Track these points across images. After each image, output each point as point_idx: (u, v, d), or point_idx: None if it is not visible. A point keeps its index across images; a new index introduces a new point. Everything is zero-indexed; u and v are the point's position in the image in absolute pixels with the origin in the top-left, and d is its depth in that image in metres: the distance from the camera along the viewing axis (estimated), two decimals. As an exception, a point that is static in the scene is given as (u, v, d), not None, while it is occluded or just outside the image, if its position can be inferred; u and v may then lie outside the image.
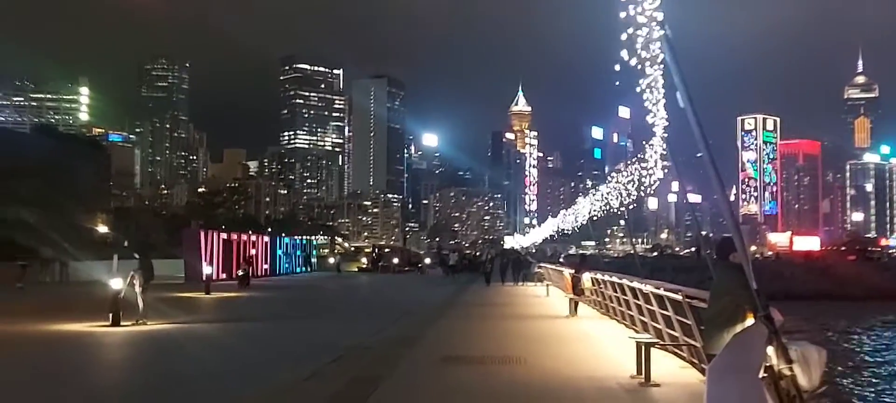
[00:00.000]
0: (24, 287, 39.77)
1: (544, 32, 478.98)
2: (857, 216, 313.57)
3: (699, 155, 7.28)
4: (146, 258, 22.90)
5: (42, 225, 47.23)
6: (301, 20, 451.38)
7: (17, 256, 43.71)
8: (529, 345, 17.41)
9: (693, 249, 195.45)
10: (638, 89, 9.31)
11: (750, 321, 6.89)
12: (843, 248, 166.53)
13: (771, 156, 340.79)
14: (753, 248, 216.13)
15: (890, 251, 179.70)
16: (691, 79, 7.43)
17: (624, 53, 8.60)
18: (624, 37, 8.35)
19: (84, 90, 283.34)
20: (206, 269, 41.34)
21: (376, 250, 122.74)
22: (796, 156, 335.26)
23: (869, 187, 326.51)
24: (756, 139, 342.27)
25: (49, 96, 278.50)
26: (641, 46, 8.46)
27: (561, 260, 63.54)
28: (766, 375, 6.55)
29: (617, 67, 9.02)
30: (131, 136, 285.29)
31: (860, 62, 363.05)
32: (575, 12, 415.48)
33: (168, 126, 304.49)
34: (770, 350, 6.53)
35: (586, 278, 25.31)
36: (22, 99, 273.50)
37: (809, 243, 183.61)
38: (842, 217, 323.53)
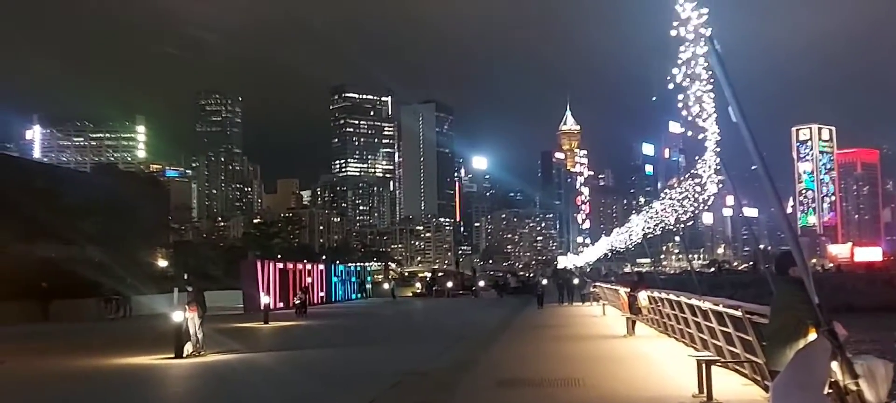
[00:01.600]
0: (115, 318, 41.45)
1: (591, 50, 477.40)
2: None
3: (754, 167, 7.23)
4: (198, 290, 23.33)
5: (107, 261, 48.52)
6: (348, 50, 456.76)
7: (104, 292, 45.48)
8: (587, 366, 17.28)
9: (751, 263, 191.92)
10: (688, 104, 9.29)
11: (813, 336, 6.79)
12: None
13: (828, 166, 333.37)
14: (813, 261, 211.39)
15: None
16: (743, 92, 7.39)
17: (675, 71, 8.60)
18: (673, 53, 8.36)
19: (141, 128, 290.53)
20: (264, 299, 41.84)
21: (431, 275, 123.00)
22: (854, 165, 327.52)
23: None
24: (812, 149, 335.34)
25: (108, 135, 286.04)
26: (690, 62, 8.46)
27: (612, 279, 62.88)
28: (831, 391, 6.45)
29: (669, 85, 9.02)
30: (188, 171, 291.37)
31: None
32: (622, 28, 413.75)
33: (223, 159, 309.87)
34: (834, 365, 6.43)
35: (643, 296, 25.05)
36: (82, 139, 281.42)
37: (871, 254, 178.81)
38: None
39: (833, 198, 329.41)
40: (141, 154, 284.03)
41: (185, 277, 36.28)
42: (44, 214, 47.27)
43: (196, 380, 17.89)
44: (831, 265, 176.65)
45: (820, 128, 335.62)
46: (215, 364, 20.31)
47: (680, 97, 9.22)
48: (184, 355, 20.96)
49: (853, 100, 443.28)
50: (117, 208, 61.91)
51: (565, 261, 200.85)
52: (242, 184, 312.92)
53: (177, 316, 21.80)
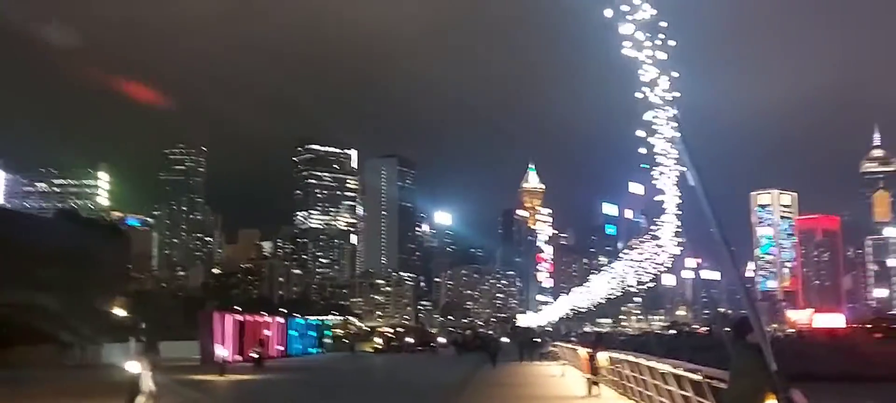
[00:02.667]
0: (72, 366, 40.60)
1: (555, 109, 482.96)
2: (881, 292, 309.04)
3: (712, 230, 7.30)
4: (151, 341, 22.89)
5: (65, 309, 47.62)
6: (314, 103, 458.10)
7: (61, 340, 44.72)
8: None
9: (710, 327, 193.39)
10: (651, 167, 9.41)
11: (771, 402, 6.80)
12: (868, 326, 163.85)
13: (788, 232, 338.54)
14: (773, 326, 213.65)
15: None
16: (704, 154, 7.49)
17: (641, 132, 8.71)
18: (640, 116, 8.48)
19: (104, 175, 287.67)
20: (221, 351, 41.16)
21: (394, 332, 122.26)
22: (815, 232, 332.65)
23: (891, 262, 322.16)
24: (772, 215, 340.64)
25: (71, 182, 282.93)
26: (654, 126, 8.58)
27: (572, 337, 62.99)
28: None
29: (641, 150, 9.14)
30: (149, 220, 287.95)
31: (877, 135, 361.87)
32: (586, 90, 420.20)
33: (184, 208, 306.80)
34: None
35: (603, 357, 25.04)
36: (46, 185, 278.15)
37: (833, 320, 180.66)
38: (865, 293, 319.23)
39: (793, 263, 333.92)
40: (103, 201, 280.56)
41: (143, 326, 35.74)
42: (3, 260, 46.43)
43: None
44: (792, 330, 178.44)
45: (780, 194, 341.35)
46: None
47: (645, 160, 9.34)
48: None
49: (814, 167, 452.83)
50: (77, 256, 60.94)
51: (525, 319, 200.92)
52: (203, 233, 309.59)
53: (131, 367, 21.33)
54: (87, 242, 71.36)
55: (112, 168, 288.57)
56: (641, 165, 9.42)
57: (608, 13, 8.03)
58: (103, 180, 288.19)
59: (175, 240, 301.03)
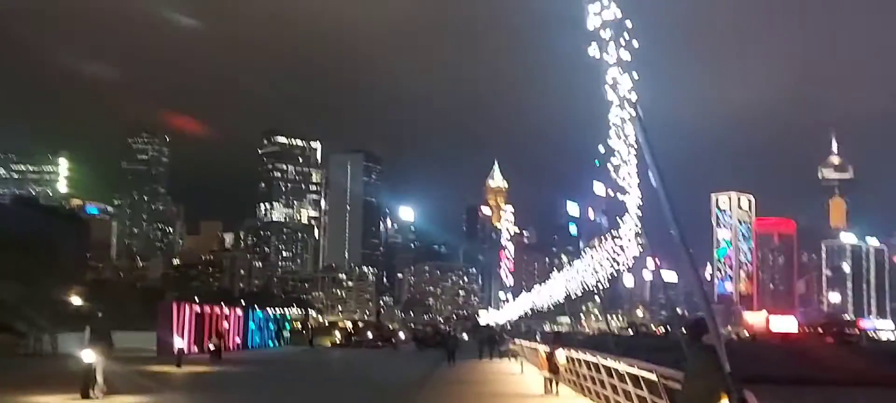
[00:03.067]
0: (27, 355, 39.50)
1: (521, 108, 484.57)
2: (834, 297, 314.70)
3: (672, 232, 7.35)
4: (104, 329, 22.63)
5: (18, 299, 46.75)
6: (280, 96, 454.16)
7: (17, 329, 43.74)
8: (504, 424, 17.20)
9: (667, 328, 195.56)
10: (610, 168, 9.45)
11: (723, 403, 6.86)
12: (820, 330, 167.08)
13: (746, 235, 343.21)
14: (729, 328, 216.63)
15: (868, 333, 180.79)
16: (665, 156, 7.55)
17: (611, 134, 8.76)
18: (604, 117, 8.52)
19: (64, 162, 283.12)
20: (178, 342, 40.67)
21: (354, 327, 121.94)
22: (772, 236, 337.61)
23: (845, 267, 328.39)
24: (731, 217, 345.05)
25: (30, 168, 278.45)
26: (617, 126, 8.63)
27: (538, 337, 63.28)
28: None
29: (600, 148, 9.18)
30: (109, 209, 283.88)
31: (834, 143, 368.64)
32: (552, 90, 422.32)
33: (146, 198, 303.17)
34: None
35: (560, 355, 25.17)
36: (3, 170, 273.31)
37: (786, 324, 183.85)
38: (818, 297, 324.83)
39: (750, 266, 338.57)
40: (63, 189, 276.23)
41: (99, 316, 35.26)
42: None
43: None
44: (747, 333, 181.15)
45: (739, 197, 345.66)
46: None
47: (608, 160, 9.39)
48: (90, 396, 20.31)
49: (773, 172, 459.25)
50: (34, 243, 59.98)
51: (486, 317, 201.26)
52: (165, 224, 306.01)
53: (85, 356, 21.12)
54: (45, 229, 70.30)
55: (73, 155, 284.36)
56: (595, 161, 9.47)
57: (574, 14, 8.08)
58: (63, 167, 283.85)
59: (135, 230, 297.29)
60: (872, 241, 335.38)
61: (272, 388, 29.14)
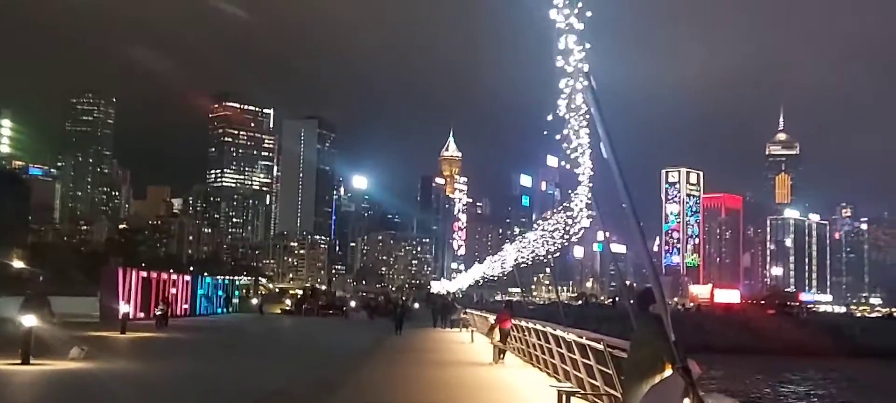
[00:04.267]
0: None
1: (476, 79, 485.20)
2: (777, 270, 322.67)
3: (624, 205, 7.31)
4: (41, 293, 22.21)
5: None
6: (233, 59, 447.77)
7: None
8: (452, 392, 17.25)
9: (614, 298, 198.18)
10: (562, 139, 9.37)
11: (668, 372, 6.87)
12: (762, 302, 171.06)
13: (694, 209, 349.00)
14: (676, 299, 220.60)
15: (808, 306, 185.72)
16: (616, 131, 7.48)
17: (560, 104, 8.66)
18: (555, 86, 8.42)
19: (6, 122, 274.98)
20: (123, 308, 40.00)
21: (302, 293, 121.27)
22: (719, 210, 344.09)
23: (788, 242, 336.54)
24: (680, 192, 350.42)
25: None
26: (568, 97, 8.54)
27: (504, 305, 63.70)
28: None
29: (549, 117, 9.08)
30: (53, 171, 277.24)
31: (781, 119, 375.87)
32: (506, 60, 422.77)
33: (91, 160, 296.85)
34: (686, 402, 6.52)
35: (510, 325, 25.29)
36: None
37: (730, 296, 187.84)
38: (762, 271, 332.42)
39: (697, 240, 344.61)
40: (4, 149, 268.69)
41: (40, 279, 34.45)
42: None
43: (43, 388, 16.90)
44: (692, 304, 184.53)
45: (688, 172, 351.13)
46: (62, 371, 19.17)
47: (560, 132, 9.31)
48: (30, 361, 19.89)
49: (721, 147, 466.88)
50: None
51: (439, 286, 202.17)
52: (110, 187, 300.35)
53: (26, 321, 20.63)
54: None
55: (15, 115, 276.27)
56: (544, 132, 9.39)
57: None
58: (5, 127, 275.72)
59: (79, 193, 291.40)
60: (815, 217, 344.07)
61: (216, 355, 28.84)
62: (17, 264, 71.34)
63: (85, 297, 49.79)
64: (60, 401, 15.61)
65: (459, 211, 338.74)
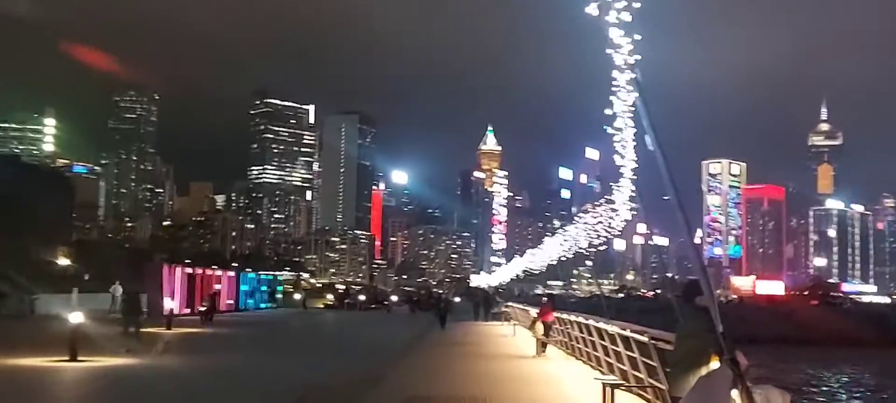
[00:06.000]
0: (11, 316, 39.54)
1: (516, 72, 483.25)
2: (820, 261, 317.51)
3: (666, 198, 7.27)
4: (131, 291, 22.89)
5: (1, 258, 46.24)
6: (274, 57, 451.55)
7: None
8: (495, 386, 17.26)
9: (656, 291, 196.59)
10: (611, 129, 9.37)
11: (715, 364, 6.83)
12: (805, 293, 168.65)
13: (736, 201, 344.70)
14: (718, 292, 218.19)
15: (851, 296, 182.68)
16: (660, 121, 7.45)
17: (609, 97, 8.65)
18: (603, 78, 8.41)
19: (50, 120, 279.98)
20: (168, 304, 40.63)
21: (344, 288, 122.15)
22: (761, 201, 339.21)
23: (831, 233, 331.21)
24: (721, 184, 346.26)
25: (14, 126, 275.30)
26: (615, 90, 8.53)
27: (543, 298, 63.68)
28: (731, 419, 6.49)
29: (607, 111, 9.10)
30: (96, 168, 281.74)
31: (824, 109, 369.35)
32: (546, 53, 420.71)
33: (134, 158, 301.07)
34: (735, 393, 6.48)
35: (552, 318, 25.24)
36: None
37: (773, 287, 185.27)
38: (805, 262, 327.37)
39: (739, 231, 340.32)
40: (49, 147, 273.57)
41: (86, 278, 35.10)
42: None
43: (90, 384, 17.22)
44: (734, 296, 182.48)
45: (730, 163, 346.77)
46: (108, 368, 19.55)
47: (605, 124, 9.31)
48: (78, 358, 20.27)
49: (763, 138, 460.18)
50: (16, 202, 59.38)
51: (478, 280, 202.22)
52: (154, 184, 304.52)
53: (73, 318, 21.03)
54: (28, 188, 69.67)
55: (59, 113, 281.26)
56: (604, 127, 9.39)
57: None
58: (49, 126, 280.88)
59: (123, 190, 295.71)
60: (858, 207, 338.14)
61: (261, 350, 29.16)
62: (62, 262, 72.58)
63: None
64: (108, 397, 15.89)
65: (498, 204, 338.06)
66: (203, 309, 45.50)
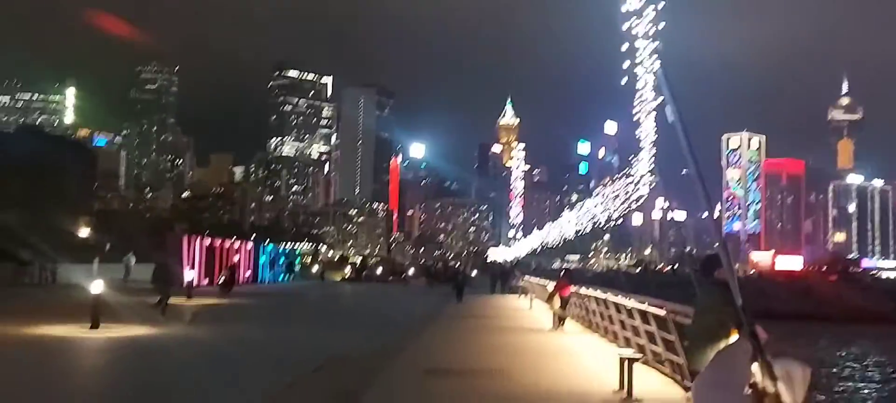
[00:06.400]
0: (34, 285, 40.09)
1: (534, 45, 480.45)
2: (839, 236, 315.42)
3: (685, 171, 7.21)
4: (163, 263, 23.28)
5: (23, 227, 46.80)
6: (292, 28, 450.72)
7: (21, 258, 43.75)
8: (513, 358, 17.30)
9: (674, 265, 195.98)
10: (636, 98, 9.31)
11: (734, 337, 6.81)
12: (824, 268, 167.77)
13: (755, 175, 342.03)
14: (737, 266, 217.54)
15: (871, 272, 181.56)
16: (680, 92, 7.38)
17: (626, 64, 8.58)
18: (623, 48, 8.35)
19: (71, 91, 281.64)
20: (188, 274, 40.98)
21: (362, 260, 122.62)
22: (780, 176, 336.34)
23: (851, 208, 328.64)
24: (741, 158, 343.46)
25: (36, 97, 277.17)
26: (636, 60, 8.47)
27: (562, 271, 63.75)
28: (750, 391, 6.48)
29: (623, 82, 9.04)
30: (118, 139, 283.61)
31: (845, 84, 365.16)
32: (566, 26, 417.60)
33: (155, 129, 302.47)
34: (754, 367, 6.46)
35: (570, 291, 25.25)
36: (8, 98, 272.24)
37: (792, 262, 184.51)
38: (824, 237, 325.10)
39: (758, 206, 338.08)
40: (70, 118, 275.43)
41: (108, 247, 35.50)
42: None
43: (113, 353, 17.43)
44: (753, 271, 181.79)
45: (750, 137, 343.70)
46: (131, 337, 19.77)
47: (625, 95, 9.25)
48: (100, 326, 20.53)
49: (783, 112, 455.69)
50: (39, 172, 59.94)
51: (496, 253, 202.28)
52: (174, 155, 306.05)
53: (95, 287, 21.25)
54: (51, 158, 70.13)
55: (80, 84, 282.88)
56: (622, 81, 9.35)
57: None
58: (71, 96, 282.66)
59: (144, 161, 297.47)
60: (878, 182, 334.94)
61: (279, 320, 29.40)
62: (84, 232, 73.28)
63: (150, 264, 51.04)
64: (130, 366, 16.07)
65: (516, 178, 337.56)
66: (223, 280, 45.88)
